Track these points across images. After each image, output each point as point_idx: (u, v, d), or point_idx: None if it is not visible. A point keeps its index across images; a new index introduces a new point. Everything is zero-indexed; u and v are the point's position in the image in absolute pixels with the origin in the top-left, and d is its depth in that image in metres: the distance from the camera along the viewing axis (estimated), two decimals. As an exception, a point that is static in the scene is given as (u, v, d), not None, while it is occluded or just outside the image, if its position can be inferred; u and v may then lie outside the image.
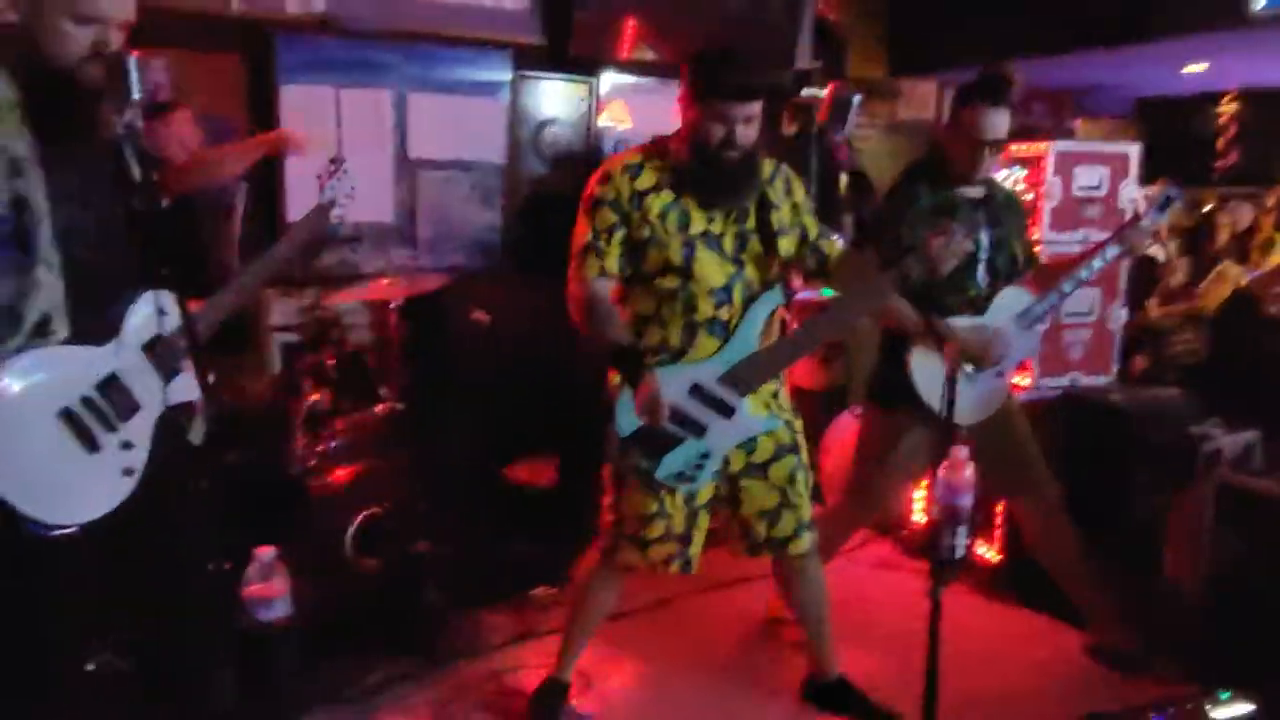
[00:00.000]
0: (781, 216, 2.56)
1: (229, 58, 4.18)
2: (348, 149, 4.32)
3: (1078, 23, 5.45)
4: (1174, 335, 5.39)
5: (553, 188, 4.81)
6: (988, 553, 3.86)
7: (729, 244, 2.50)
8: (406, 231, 4.45)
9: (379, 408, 3.40)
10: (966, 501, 1.91)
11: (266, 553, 1.64)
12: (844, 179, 5.28)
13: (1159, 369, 5.20)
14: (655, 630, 3.43)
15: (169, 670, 2.07)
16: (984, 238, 2.99)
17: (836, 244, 2.70)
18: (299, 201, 4.14)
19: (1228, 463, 3.20)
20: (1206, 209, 6.37)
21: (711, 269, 2.46)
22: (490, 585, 3.57)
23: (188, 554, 1.96)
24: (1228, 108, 7.03)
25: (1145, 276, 5.55)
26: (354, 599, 3.08)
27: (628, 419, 2.44)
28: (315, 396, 3.24)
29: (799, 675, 3.00)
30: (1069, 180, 3.88)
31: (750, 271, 2.52)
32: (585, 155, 4.88)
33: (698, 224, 2.47)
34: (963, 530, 1.91)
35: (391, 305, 3.54)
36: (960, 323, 2.90)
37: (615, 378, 2.52)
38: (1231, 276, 5.60)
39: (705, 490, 2.56)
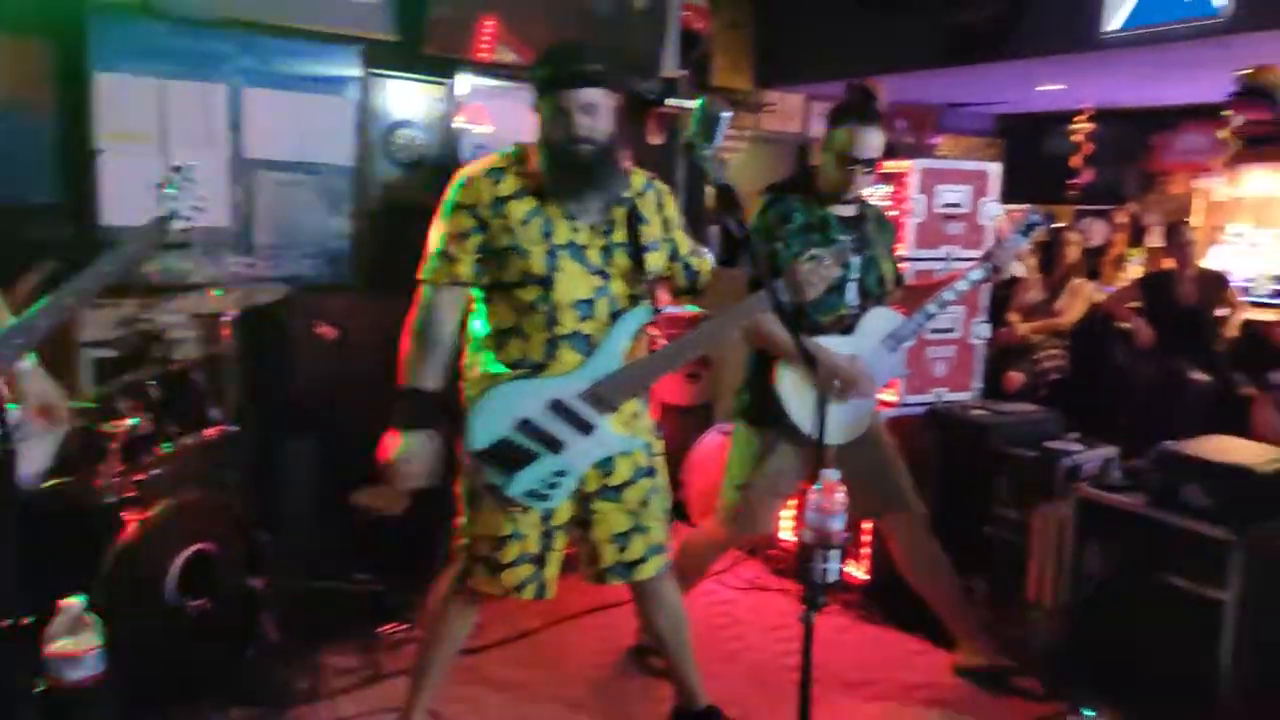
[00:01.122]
0: (651, 231, 2.54)
1: (33, 42, 3.98)
2: (176, 146, 4.15)
3: (941, 41, 5.68)
4: (1041, 351, 5.61)
5: (407, 194, 4.75)
6: (856, 572, 3.92)
7: (594, 256, 2.46)
8: (243, 238, 4.31)
9: (209, 431, 3.28)
10: (838, 525, 1.92)
11: (73, 604, 1.48)
12: (710, 191, 5.35)
13: (1033, 384, 5.41)
14: (513, 664, 3.37)
15: None
16: (854, 258, 3.04)
17: (708, 261, 2.69)
18: (117, 207, 3.98)
19: (1087, 478, 3.29)
20: (1057, 226, 6.69)
21: (575, 281, 2.42)
22: (334, 624, 3.47)
23: None
24: (1082, 127, 7.42)
25: (1001, 293, 5.79)
26: (180, 646, 2.93)
27: (481, 433, 2.39)
28: (134, 419, 3.06)
29: (667, 706, 2.95)
30: (932, 198, 4.01)
31: (616, 286, 2.48)
32: (442, 160, 4.84)
33: (562, 234, 2.42)
34: (835, 554, 1.91)
35: (224, 318, 3.42)
36: (831, 343, 2.95)
37: (470, 390, 2.48)
38: (1085, 293, 5.88)
39: (563, 510, 2.52)
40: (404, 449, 2.38)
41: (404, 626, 3.50)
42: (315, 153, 4.49)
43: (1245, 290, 6.57)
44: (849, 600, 3.85)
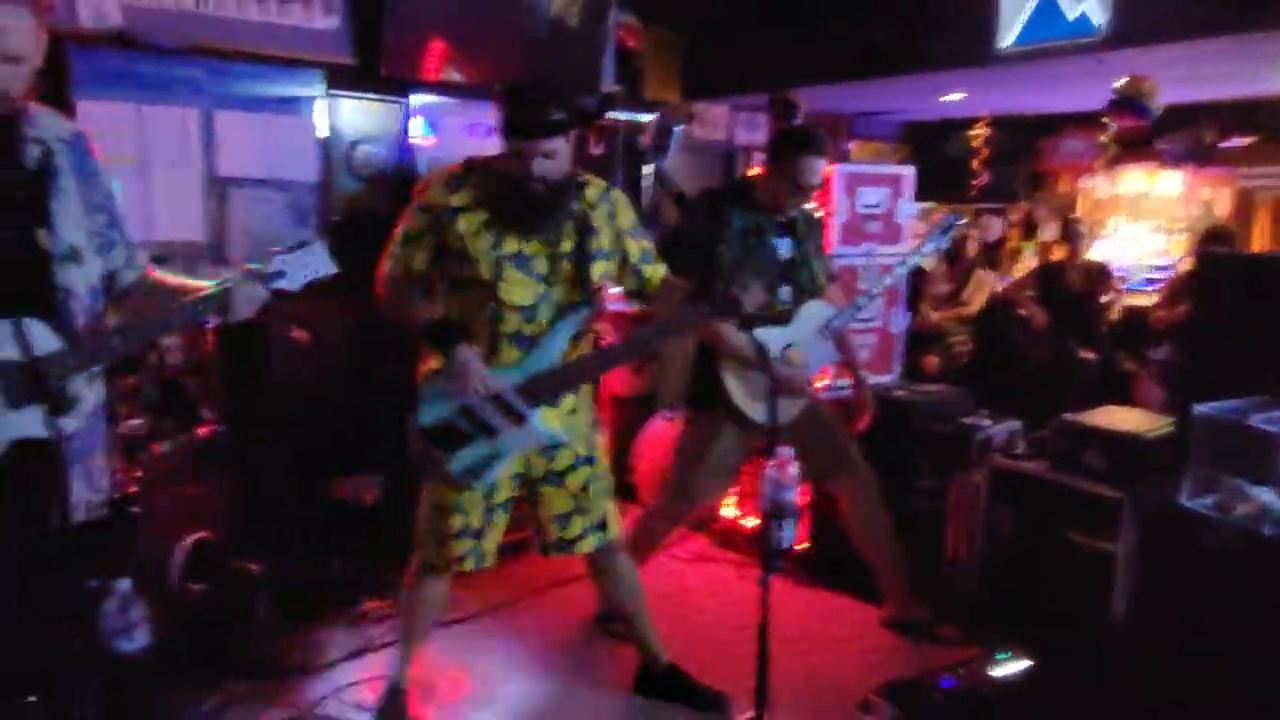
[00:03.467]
0: (601, 241, 2.55)
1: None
2: (153, 167, 4.08)
3: (852, 55, 5.81)
4: (952, 337, 5.79)
5: (368, 205, 4.70)
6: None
7: (540, 265, 2.48)
8: (218, 250, 4.24)
9: (200, 430, 3.26)
10: (792, 496, 1.99)
11: (122, 584, 1.54)
12: (653, 196, 5.44)
13: (945, 367, 5.55)
14: (490, 634, 3.41)
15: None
16: (787, 255, 3.15)
17: (660, 268, 2.71)
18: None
19: (997, 449, 3.43)
20: (961, 223, 6.89)
21: (519, 289, 2.45)
22: (322, 602, 3.48)
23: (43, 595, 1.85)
24: (980, 132, 7.63)
25: (914, 284, 5.95)
26: (185, 624, 2.94)
27: (429, 412, 2.45)
28: (133, 421, 3.06)
29: (630, 667, 3.02)
30: (854, 198, 4.13)
31: (559, 292, 2.50)
32: (399, 173, 4.79)
33: (509, 245, 2.44)
34: (789, 522, 1.99)
35: (207, 326, 3.34)
36: (769, 333, 2.98)
37: (423, 371, 2.52)
38: (988, 283, 6.07)
39: (503, 490, 2.58)
40: (456, 359, 2.37)
41: (385, 603, 3.49)
42: (282, 169, 4.41)
43: (1124, 278, 6.82)
44: (785, 566, 3.83)
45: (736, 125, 7.20)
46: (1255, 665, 2.39)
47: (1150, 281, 6.92)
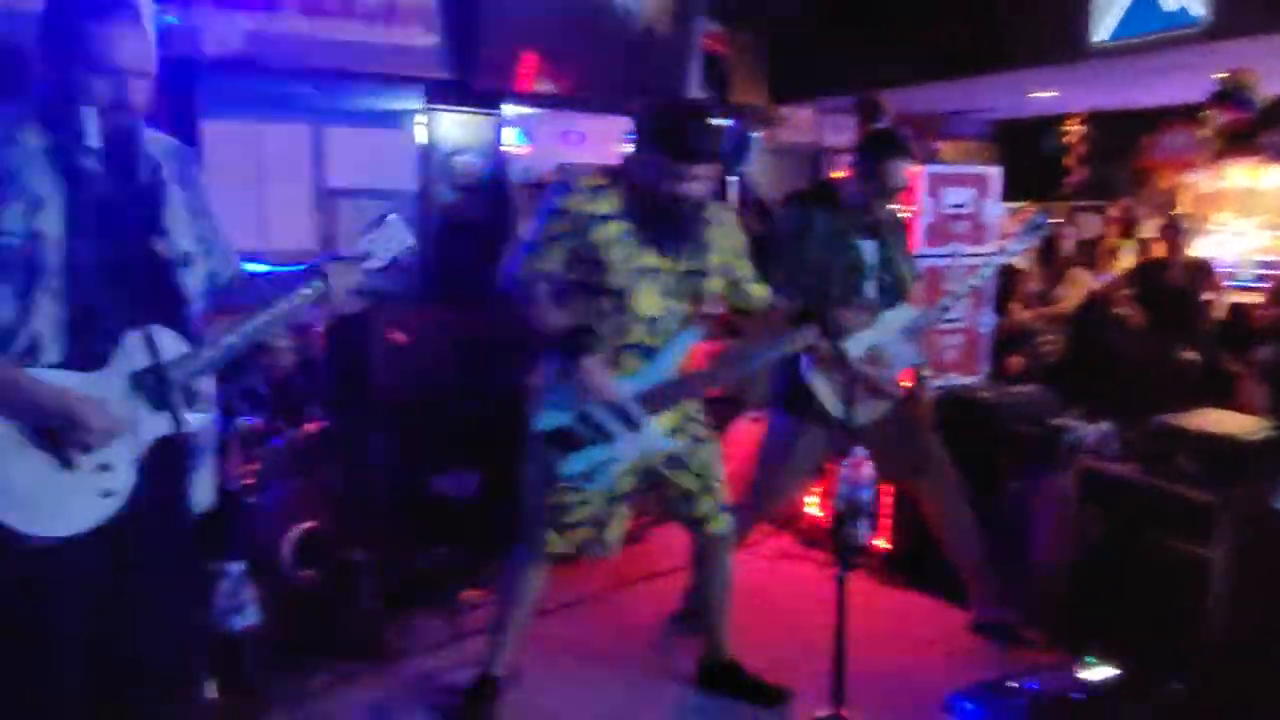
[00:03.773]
0: (718, 259, 2.59)
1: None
2: (270, 181, 4.28)
3: (938, 56, 5.72)
4: (1040, 337, 5.63)
5: (463, 214, 4.84)
6: (878, 541, 3.94)
7: (669, 281, 2.51)
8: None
9: (308, 426, 3.35)
10: (867, 495, 2.01)
11: (237, 566, 1.64)
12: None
13: (1031, 367, 5.40)
14: (576, 624, 3.43)
15: (145, 677, 2.03)
16: (873, 258, 3.13)
17: (763, 288, 2.74)
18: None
19: (1088, 451, 3.34)
20: (1054, 221, 6.72)
21: (648, 300, 2.48)
22: (422, 590, 3.53)
23: (171, 575, 1.95)
24: (1074, 129, 7.40)
25: (1005, 283, 5.82)
26: (295, 608, 3.02)
27: (548, 417, 2.48)
28: (247, 418, 3.15)
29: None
30: (939, 199, 4.08)
31: (682, 307, 2.55)
32: (493, 182, 4.91)
33: (646, 258, 2.47)
34: (864, 520, 2.00)
35: (316, 328, 3.50)
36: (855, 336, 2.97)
37: (536, 379, 2.56)
38: (1084, 281, 5.89)
39: (625, 483, 2.59)
40: (584, 367, 2.39)
41: (480, 592, 3.54)
42: (385, 180, 4.56)
43: (1230, 275, 6.53)
44: (872, 567, 3.88)
45: (823, 128, 7.16)
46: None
47: (1259, 279, 6.62)
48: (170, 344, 1.88)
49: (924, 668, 3.11)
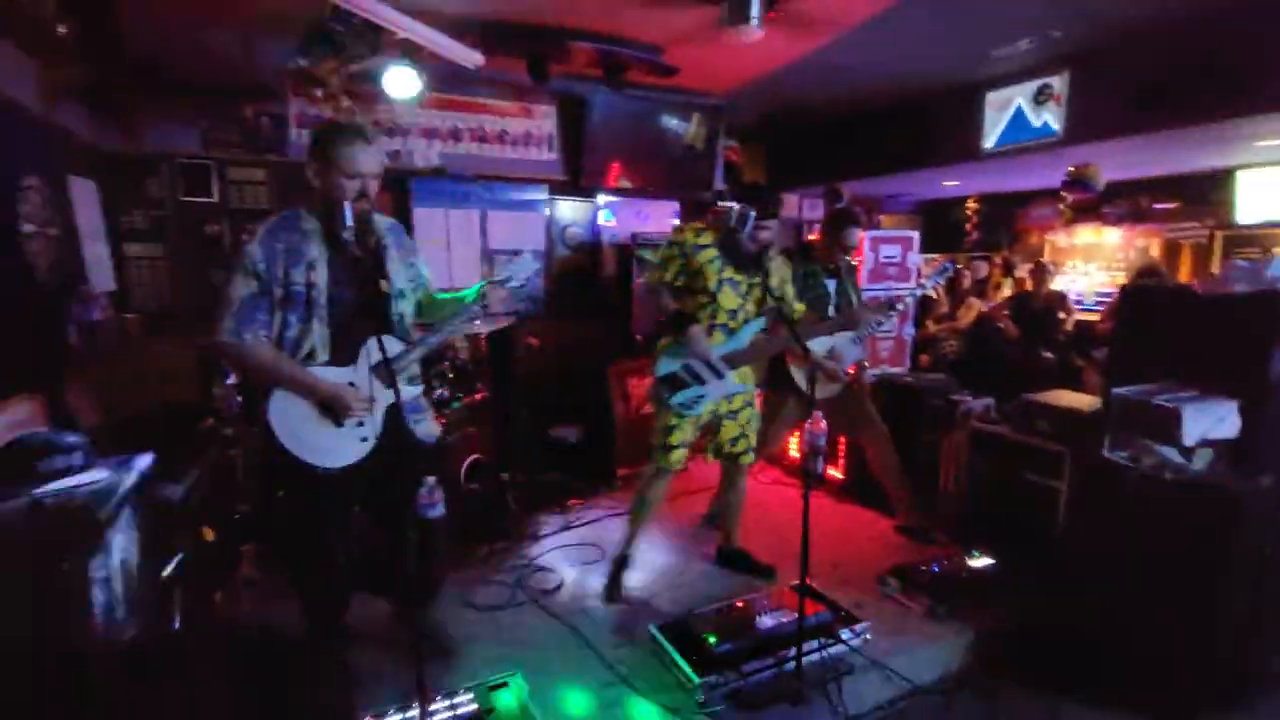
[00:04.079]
0: (774, 282, 2.59)
1: (385, 194, 4.19)
2: (455, 245, 4.37)
3: (881, 158, 5.58)
4: (943, 343, 5.48)
5: (572, 264, 4.84)
6: (835, 473, 3.92)
7: (742, 287, 2.53)
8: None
9: (477, 395, 3.38)
10: (822, 441, 1.97)
11: (431, 479, 1.68)
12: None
13: (935, 363, 5.28)
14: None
15: (389, 551, 2.08)
16: (832, 291, 3.08)
17: (801, 306, 2.74)
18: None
19: (975, 417, 3.26)
20: (958, 266, 6.52)
21: (729, 298, 2.51)
22: (544, 499, 3.56)
23: (406, 485, 1.97)
24: (972, 205, 7.16)
25: (923, 308, 5.67)
26: (465, 509, 3.07)
27: (664, 365, 2.51)
28: (439, 390, 3.22)
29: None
30: (878, 253, 4.00)
31: (750, 305, 2.56)
32: (591, 243, 4.92)
33: (727, 272, 2.50)
34: (820, 458, 1.97)
35: (481, 335, 3.54)
36: (819, 341, 2.96)
37: (659, 344, 2.56)
38: (976, 305, 5.71)
39: (704, 418, 2.59)
40: (691, 334, 2.42)
41: (580, 501, 3.58)
42: (525, 243, 4.57)
43: (1080, 301, 6.29)
44: (832, 490, 3.86)
45: (803, 206, 7.02)
46: (1156, 565, 2.18)
47: (1098, 303, 6.33)
48: (392, 345, 1.93)
49: (865, 555, 3.09)
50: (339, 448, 1.88)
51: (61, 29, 2.47)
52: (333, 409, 1.85)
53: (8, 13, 2.31)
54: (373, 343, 1.89)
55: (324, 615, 2.09)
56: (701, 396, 2.51)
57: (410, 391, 2.00)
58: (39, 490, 1.71)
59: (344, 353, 1.88)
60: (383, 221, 2.02)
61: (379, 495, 2.01)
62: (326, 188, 1.83)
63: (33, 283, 2.53)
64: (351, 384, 1.88)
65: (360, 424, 1.90)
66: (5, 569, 1.43)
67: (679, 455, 2.56)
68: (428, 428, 2.08)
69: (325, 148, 1.82)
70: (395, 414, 1.95)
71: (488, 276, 2.09)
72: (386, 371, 1.88)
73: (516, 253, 4.50)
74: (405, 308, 2.00)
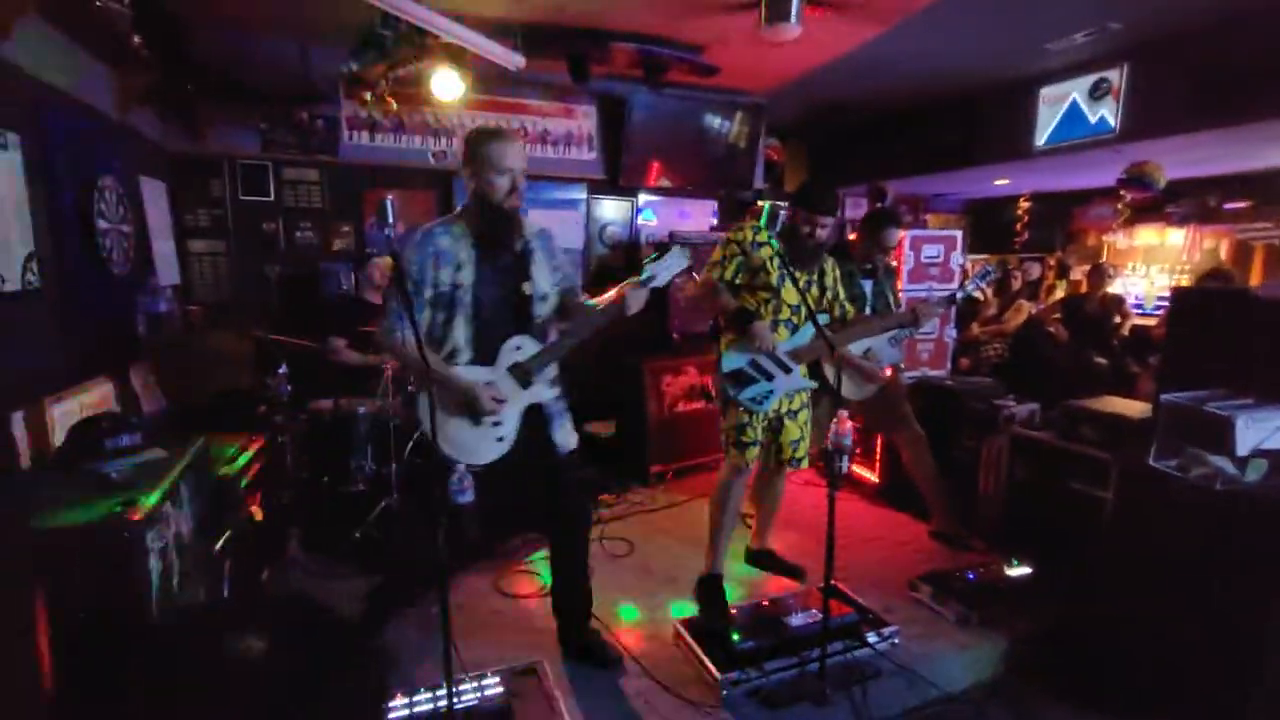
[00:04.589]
0: (829, 280, 2.60)
1: (429, 193, 4.30)
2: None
3: (927, 156, 5.45)
4: (987, 346, 5.33)
5: (610, 262, 4.87)
6: (870, 475, 3.85)
7: (801, 283, 2.51)
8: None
9: None
10: (848, 441, 1.95)
11: (459, 467, 1.72)
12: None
13: (975, 367, 5.14)
14: (675, 520, 3.45)
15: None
16: (869, 289, 3.03)
17: (851, 307, 2.74)
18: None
19: (1018, 422, 3.17)
20: (1009, 267, 6.33)
21: (790, 294, 2.49)
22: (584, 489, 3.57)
23: (538, 480, 2.02)
24: (1024, 204, 6.93)
25: (969, 310, 5.53)
26: (499, 496, 3.08)
27: (729, 361, 2.48)
28: None
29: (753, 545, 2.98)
30: (919, 252, 3.92)
31: (810, 302, 2.54)
32: (629, 242, 4.94)
33: (788, 269, 2.48)
34: (845, 457, 1.95)
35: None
36: (858, 343, 2.88)
37: (723, 342, 2.51)
38: (1025, 309, 5.53)
39: (771, 413, 2.56)
40: (756, 329, 2.40)
41: (612, 495, 3.62)
42: (565, 241, 4.51)
43: (1139, 305, 6.02)
44: (865, 493, 3.79)
45: (845, 205, 6.91)
46: (1202, 580, 2.09)
47: (1158, 307, 6.05)
48: (530, 346, 1.94)
49: (898, 559, 3.05)
50: (477, 446, 1.91)
51: (136, 39, 2.62)
52: (470, 407, 1.88)
53: (88, 25, 2.47)
54: (512, 343, 1.92)
55: (400, 586, 2.14)
56: (771, 392, 2.46)
57: (546, 394, 2.00)
58: (106, 466, 1.84)
59: (485, 352, 1.92)
60: (532, 226, 2.04)
61: (509, 493, 2.03)
62: (480, 186, 1.88)
63: (109, 276, 2.70)
64: (489, 383, 1.90)
65: (497, 423, 1.92)
66: (72, 538, 1.55)
67: (754, 453, 2.49)
68: (565, 436, 2.05)
69: (476, 149, 1.87)
70: (534, 415, 1.98)
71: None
72: (524, 372, 1.92)
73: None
74: (546, 310, 2.01)
